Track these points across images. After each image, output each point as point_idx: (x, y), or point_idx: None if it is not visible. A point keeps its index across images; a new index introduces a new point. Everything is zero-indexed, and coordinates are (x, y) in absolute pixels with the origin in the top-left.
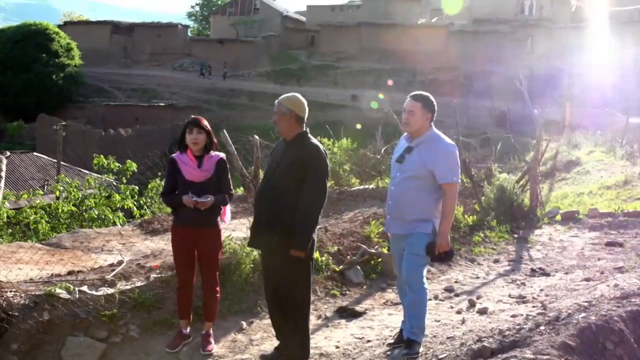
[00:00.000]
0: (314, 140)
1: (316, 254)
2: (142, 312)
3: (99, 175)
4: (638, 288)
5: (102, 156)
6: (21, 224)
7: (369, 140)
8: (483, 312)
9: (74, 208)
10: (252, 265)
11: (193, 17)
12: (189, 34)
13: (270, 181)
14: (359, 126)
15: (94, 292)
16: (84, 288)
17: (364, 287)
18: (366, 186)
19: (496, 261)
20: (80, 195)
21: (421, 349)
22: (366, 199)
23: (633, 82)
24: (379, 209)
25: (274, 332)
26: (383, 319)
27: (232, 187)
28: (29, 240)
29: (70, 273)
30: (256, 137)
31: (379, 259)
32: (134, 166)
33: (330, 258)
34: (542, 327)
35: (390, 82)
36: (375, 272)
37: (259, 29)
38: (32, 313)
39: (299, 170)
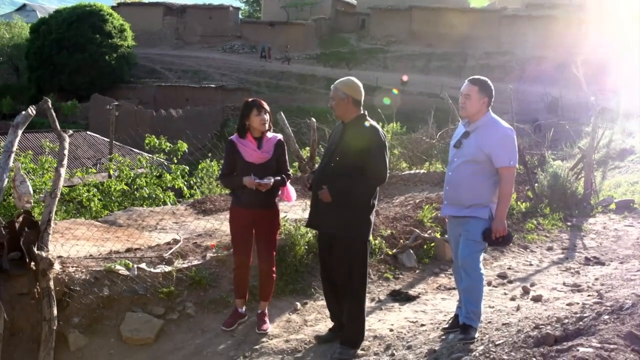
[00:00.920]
0: (373, 122)
1: (370, 237)
2: (198, 290)
3: (150, 155)
4: None
5: (153, 136)
6: (74, 201)
7: (419, 124)
8: (537, 299)
9: (125, 187)
10: (306, 247)
11: None
12: (240, 16)
13: (329, 163)
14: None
15: (152, 269)
16: (143, 265)
17: (417, 271)
18: (417, 171)
19: (549, 249)
20: (132, 174)
21: (477, 334)
22: (417, 183)
23: None
24: (430, 193)
25: (328, 314)
26: (436, 303)
27: (289, 168)
28: (82, 218)
29: (128, 250)
30: (313, 119)
31: (432, 244)
32: (185, 146)
33: (384, 241)
34: (605, 317)
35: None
36: (428, 256)
37: (310, 12)
38: (93, 288)
39: (357, 152)
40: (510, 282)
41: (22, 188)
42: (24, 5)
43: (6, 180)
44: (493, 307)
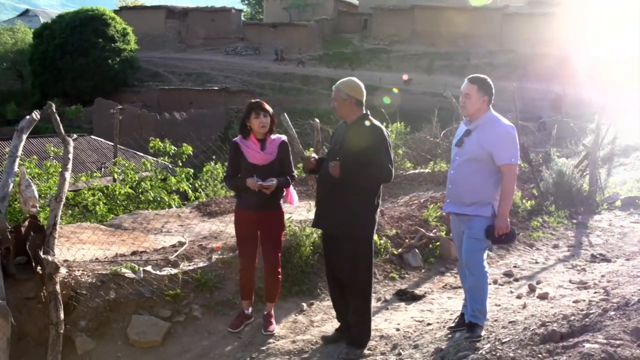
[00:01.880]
0: (376, 121)
1: (375, 237)
2: (204, 292)
3: (155, 158)
4: None
5: (157, 139)
6: (79, 206)
7: (423, 123)
8: (544, 297)
9: (130, 190)
10: (311, 248)
11: (246, 1)
12: (242, 18)
13: None
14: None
15: (158, 272)
16: (149, 268)
17: (423, 270)
18: (421, 170)
19: (555, 246)
20: (137, 178)
21: (483, 333)
22: (421, 183)
23: None
24: (435, 192)
25: (334, 314)
26: (442, 302)
27: (293, 169)
28: (87, 222)
29: (134, 253)
30: (317, 120)
31: (437, 243)
32: (189, 149)
33: (389, 241)
34: (611, 313)
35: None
36: (434, 255)
37: (312, 13)
38: (99, 291)
39: (361, 152)
40: (517, 280)
41: (28, 192)
42: (27, 11)
43: (12, 184)
44: (499, 305)
